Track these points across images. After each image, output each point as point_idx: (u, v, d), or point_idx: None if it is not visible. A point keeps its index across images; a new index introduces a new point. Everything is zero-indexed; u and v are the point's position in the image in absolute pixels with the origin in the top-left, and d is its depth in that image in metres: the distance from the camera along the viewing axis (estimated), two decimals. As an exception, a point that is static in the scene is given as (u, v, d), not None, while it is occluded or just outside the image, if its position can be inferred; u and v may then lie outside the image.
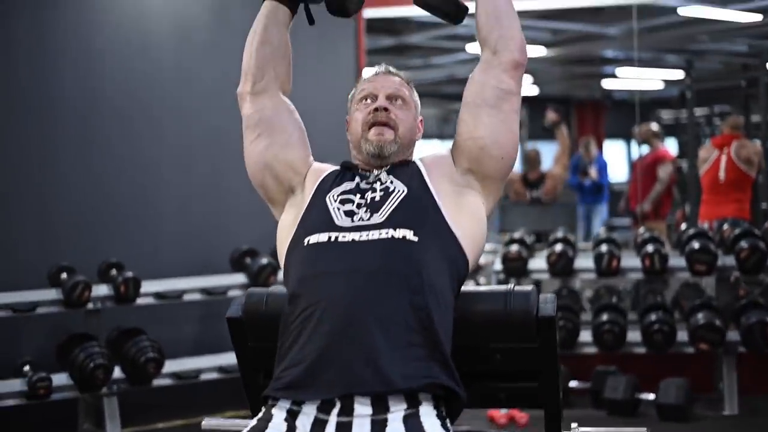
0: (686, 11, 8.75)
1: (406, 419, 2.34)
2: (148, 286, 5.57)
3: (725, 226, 6.29)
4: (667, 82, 11.52)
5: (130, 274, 5.43)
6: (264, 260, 5.86)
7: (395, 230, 2.51)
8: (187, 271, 5.92)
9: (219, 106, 6.06)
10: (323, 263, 2.50)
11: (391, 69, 2.88)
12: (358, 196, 2.63)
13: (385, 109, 2.74)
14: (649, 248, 5.94)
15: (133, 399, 5.57)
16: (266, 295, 2.73)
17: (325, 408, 2.36)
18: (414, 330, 2.40)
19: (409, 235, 2.51)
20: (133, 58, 6.07)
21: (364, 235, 2.51)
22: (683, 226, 6.70)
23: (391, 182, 2.66)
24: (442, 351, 2.41)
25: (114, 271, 5.52)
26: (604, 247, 6.05)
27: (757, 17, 8.85)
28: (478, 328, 2.58)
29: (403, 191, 2.62)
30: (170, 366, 5.50)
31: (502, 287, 2.62)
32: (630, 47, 10.63)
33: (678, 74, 10.90)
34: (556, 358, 2.62)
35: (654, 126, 9.19)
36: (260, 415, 2.46)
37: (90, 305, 5.33)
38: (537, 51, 9.96)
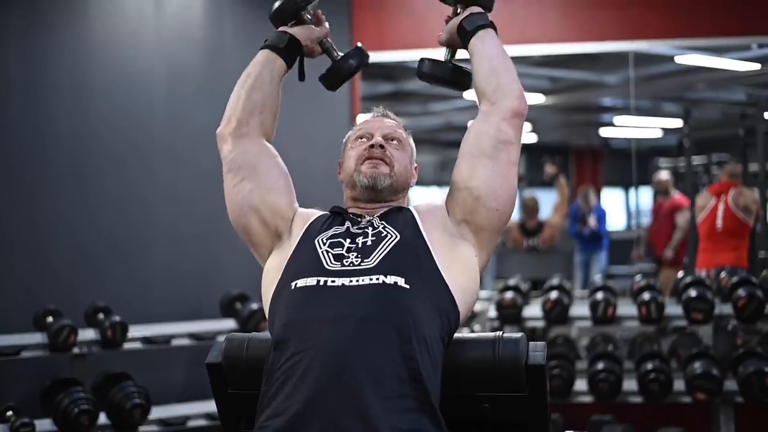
0: (683, 59, 8.72)
1: None
2: (136, 331, 5.48)
3: (723, 274, 6.22)
4: (665, 130, 11.48)
5: (117, 318, 5.35)
6: (254, 305, 5.78)
7: (386, 276, 2.45)
8: (177, 315, 5.85)
9: (211, 149, 5.88)
10: (311, 308, 2.43)
11: (389, 113, 2.85)
12: (349, 240, 2.57)
13: (381, 147, 2.70)
14: (646, 296, 5.86)
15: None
16: (247, 340, 2.64)
17: None
18: (404, 381, 2.33)
19: (401, 282, 2.44)
20: (125, 98, 6.03)
21: (354, 281, 2.45)
22: (680, 274, 6.62)
23: (384, 227, 2.60)
24: (431, 402, 2.34)
25: (101, 315, 5.43)
26: (599, 295, 5.97)
27: (756, 66, 8.81)
28: (467, 376, 2.50)
29: (396, 237, 2.56)
30: (157, 412, 5.40)
31: (491, 334, 2.54)
32: (626, 95, 10.64)
33: (676, 123, 10.87)
34: (545, 407, 2.54)
35: (668, 175, 9.16)
36: None
37: (76, 350, 5.24)
38: (535, 99, 9.94)
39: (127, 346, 5.42)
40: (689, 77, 9.68)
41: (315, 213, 2.74)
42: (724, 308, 5.82)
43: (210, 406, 5.58)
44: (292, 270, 2.55)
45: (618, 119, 11.80)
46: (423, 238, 2.57)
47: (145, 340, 5.53)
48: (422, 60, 2.93)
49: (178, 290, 6.09)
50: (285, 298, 2.50)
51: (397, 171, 2.71)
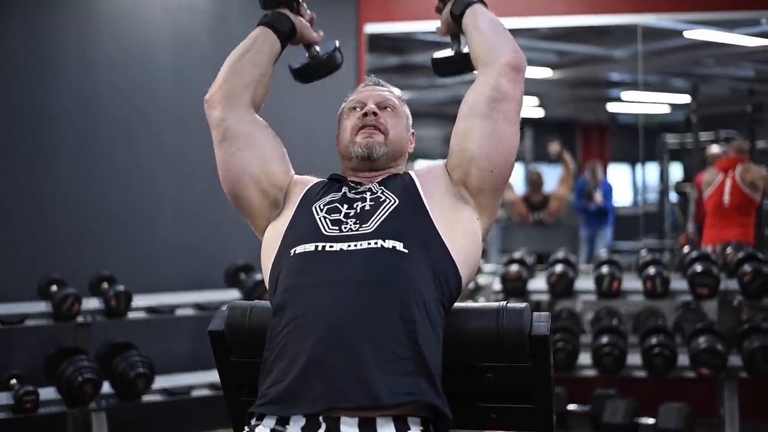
0: (692, 34, 8.66)
1: None
2: (140, 300, 5.47)
3: (728, 250, 6.19)
4: (672, 106, 11.42)
5: (121, 287, 5.34)
6: (259, 276, 5.77)
7: (384, 240, 2.42)
8: (181, 285, 5.84)
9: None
10: (310, 274, 2.41)
11: (380, 81, 2.82)
12: (346, 205, 2.54)
13: (374, 114, 2.67)
14: (651, 271, 5.84)
15: (122, 415, 5.48)
16: (250, 308, 2.62)
17: (310, 430, 2.26)
18: (402, 344, 2.30)
19: (399, 246, 2.42)
20: (131, 70, 6.01)
21: (352, 245, 2.42)
22: (686, 249, 6.59)
23: (382, 192, 2.58)
24: (428, 366, 2.32)
25: (105, 285, 5.42)
26: (605, 269, 5.95)
27: (765, 42, 8.76)
28: (469, 346, 2.48)
29: (394, 201, 2.53)
30: (161, 382, 5.40)
31: (495, 304, 2.51)
32: (634, 70, 10.58)
33: (683, 98, 10.81)
34: (549, 379, 2.50)
35: (719, 148, 9.08)
36: None
37: (80, 318, 5.23)
38: (542, 73, 9.88)
39: (131, 315, 5.41)
40: (698, 52, 9.63)
41: (312, 180, 2.71)
42: (729, 283, 5.80)
43: (214, 375, 5.57)
44: (291, 237, 2.53)
45: (625, 94, 11.74)
46: (422, 201, 2.54)
47: (149, 309, 5.52)
48: (432, 62, 2.98)
49: (182, 260, 6.09)
50: (285, 264, 2.48)
51: (393, 138, 2.68)
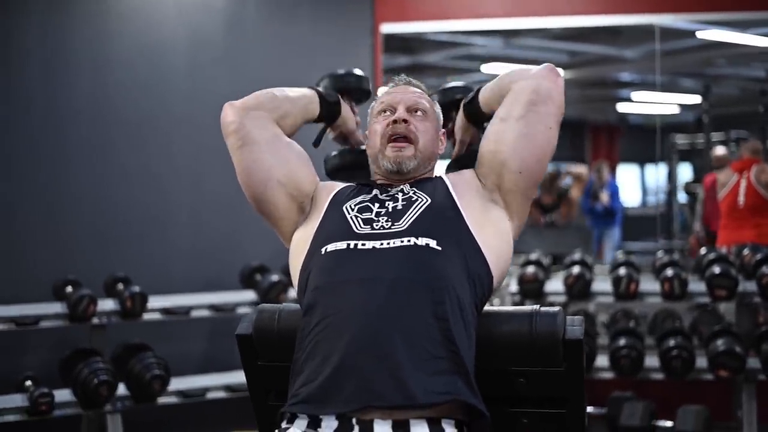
0: (705, 34, 8.62)
1: None
2: (155, 302, 5.43)
3: (746, 251, 6.15)
4: (682, 106, 11.39)
5: (136, 288, 5.31)
6: (275, 277, 5.73)
7: (417, 238, 2.40)
8: (196, 287, 5.81)
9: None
10: (342, 271, 2.38)
11: (411, 80, 2.79)
12: (378, 205, 2.53)
13: (405, 121, 2.64)
14: (669, 272, 5.80)
15: (137, 417, 5.44)
16: (278, 312, 2.59)
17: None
18: (437, 342, 2.28)
19: (432, 243, 2.40)
20: (145, 70, 5.98)
21: (385, 243, 2.40)
22: (702, 250, 6.55)
23: (414, 192, 2.56)
24: (464, 366, 2.29)
25: (120, 286, 5.39)
26: (622, 271, 5.91)
27: (778, 41, 8.73)
28: (502, 350, 2.45)
29: (427, 200, 2.52)
30: (176, 384, 5.36)
31: (527, 308, 2.48)
32: (646, 71, 10.54)
33: (694, 99, 10.77)
34: (582, 383, 2.47)
35: (724, 150, 9.03)
36: None
37: (95, 320, 5.20)
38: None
39: (146, 316, 5.38)
40: (710, 53, 9.59)
41: (339, 184, 2.70)
42: (747, 285, 5.76)
43: (229, 377, 5.56)
44: (322, 237, 2.51)
45: (636, 95, 11.71)
46: (454, 201, 2.53)
47: (165, 311, 5.49)
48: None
49: (197, 261, 6.06)
50: (315, 263, 2.46)
51: (422, 146, 2.65)
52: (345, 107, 2.85)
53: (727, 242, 7.29)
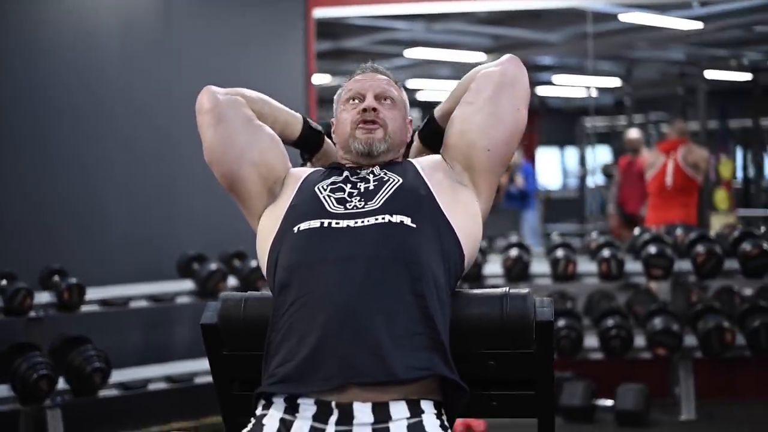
0: (627, 17, 8.73)
1: (410, 428, 2.22)
2: (93, 293, 5.33)
3: (678, 231, 6.26)
4: (602, 89, 11.55)
5: (73, 280, 5.19)
6: (213, 266, 5.66)
7: (392, 216, 2.39)
8: (133, 277, 5.70)
9: (167, 106, 5.89)
10: (316, 250, 2.36)
11: (378, 67, 2.76)
12: (350, 185, 2.51)
13: (374, 109, 2.61)
14: (606, 253, 5.87)
15: (77, 411, 5.33)
16: (244, 300, 2.55)
17: (321, 416, 2.22)
18: (415, 319, 2.27)
19: (407, 221, 2.39)
20: (77, 59, 5.83)
21: (359, 221, 2.38)
22: (636, 230, 6.64)
23: (385, 173, 2.55)
24: (442, 342, 2.28)
25: (57, 278, 5.27)
26: (560, 252, 5.97)
27: (698, 25, 8.88)
28: (471, 333, 2.43)
29: (398, 180, 2.51)
30: (116, 376, 5.27)
31: (497, 290, 2.48)
32: (567, 54, 10.64)
33: (615, 82, 10.91)
34: (551, 365, 2.49)
35: (638, 133, 9.16)
36: (250, 426, 2.30)
37: (32, 313, 5.08)
38: (478, 57, 9.91)
39: (84, 308, 5.27)
40: (631, 36, 9.72)
41: (310, 169, 2.67)
42: (681, 264, 5.85)
43: (169, 368, 5.49)
44: (293, 216, 2.47)
45: (557, 78, 11.82)
46: (425, 181, 2.51)
47: (103, 302, 5.39)
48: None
49: (134, 251, 5.94)
50: (287, 243, 2.42)
51: (392, 132, 2.62)
52: (329, 143, 2.80)
53: (656, 222, 7.41)
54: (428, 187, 2.50)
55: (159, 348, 5.81)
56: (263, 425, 2.27)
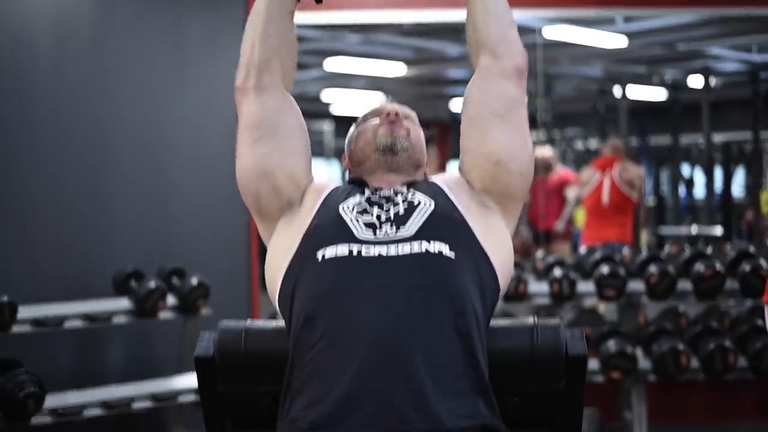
0: (547, 32, 8.63)
1: None
2: (24, 312, 4.95)
3: (625, 251, 6.17)
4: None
5: (4, 298, 4.81)
6: (152, 284, 5.30)
7: (429, 243, 2.20)
8: (64, 294, 5.32)
9: (99, 113, 5.54)
10: (346, 280, 2.16)
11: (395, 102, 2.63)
12: (377, 207, 2.31)
13: (397, 114, 2.45)
14: (557, 273, 5.73)
15: (7, 439, 4.95)
16: (244, 331, 2.35)
17: None
18: (458, 359, 2.09)
19: (446, 250, 2.21)
20: (6, 63, 5.42)
21: (393, 249, 2.19)
22: (582, 249, 6.54)
23: (413, 195, 2.35)
24: (486, 384, 2.11)
25: (-16, 296, 4.88)
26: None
27: (623, 41, 8.85)
28: (498, 367, 2.25)
29: (430, 205, 2.31)
30: (50, 401, 4.89)
31: (527, 321, 2.32)
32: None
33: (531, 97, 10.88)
34: (582, 402, 2.34)
35: (550, 150, 9.10)
36: None
37: (-41, 334, 4.70)
38: (397, 69, 9.77)
39: (15, 329, 4.88)
40: (551, 52, 9.66)
41: (330, 184, 2.48)
42: (633, 285, 5.74)
43: (105, 393, 5.14)
44: (315, 239, 2.28)
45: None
46: (456, 206, 2.35)
47: (35, 321, 4.99)
48: None
49: (64, 267, 5.53)
50: (310, 270, 2.22)
51: (413, 140, 2.48)
52: None
53: (592, 240, 7.35)
54: (461, 213, 2.34)
55: (93, 371, 5.44)
56: None
